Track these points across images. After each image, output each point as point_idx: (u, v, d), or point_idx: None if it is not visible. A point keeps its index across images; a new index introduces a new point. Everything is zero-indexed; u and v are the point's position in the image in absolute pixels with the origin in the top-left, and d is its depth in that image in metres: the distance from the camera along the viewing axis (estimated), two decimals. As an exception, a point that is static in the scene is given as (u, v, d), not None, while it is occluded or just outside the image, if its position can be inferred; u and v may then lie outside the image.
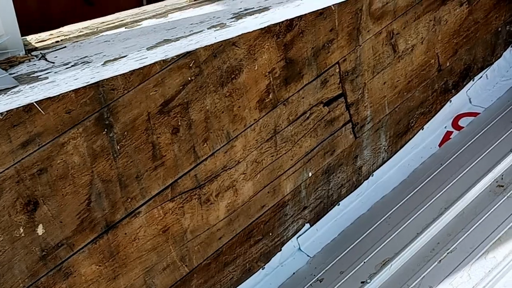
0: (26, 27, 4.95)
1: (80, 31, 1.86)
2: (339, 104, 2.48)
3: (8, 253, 1.70)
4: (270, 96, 2.20)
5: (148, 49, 1.73)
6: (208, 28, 1.86)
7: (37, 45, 1.77)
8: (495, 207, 2.40)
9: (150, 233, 2.02)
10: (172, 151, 1.97)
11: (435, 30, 2.76)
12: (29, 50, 1.72)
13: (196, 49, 1.87)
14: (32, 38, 1.80)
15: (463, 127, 3.04)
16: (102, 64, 1.65)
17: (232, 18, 1.93)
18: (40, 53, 1.70)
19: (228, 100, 2.07)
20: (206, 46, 1.91)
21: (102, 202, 1.85)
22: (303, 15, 2.17)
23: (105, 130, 1.78)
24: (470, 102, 3.15)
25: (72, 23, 5.21)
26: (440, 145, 2.98)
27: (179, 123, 1.96)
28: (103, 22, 1.93)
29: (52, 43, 1.78)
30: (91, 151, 1.77)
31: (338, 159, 2.60)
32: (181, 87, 1.91)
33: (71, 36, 1.83)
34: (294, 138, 2.36)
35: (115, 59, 1.67)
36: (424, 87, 2.85)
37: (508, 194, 2.44)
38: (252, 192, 2.30)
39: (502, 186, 2.51)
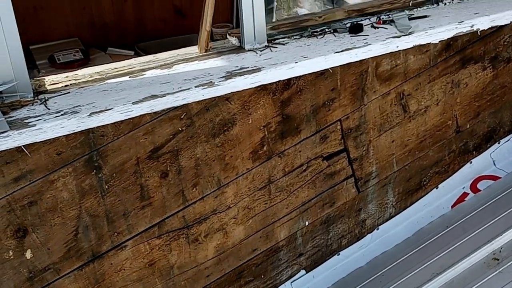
0: (122, 35, 5.32)
1: (91, 76, 2.06)
2: (340, 159, 2.53)
3: (-3, 271, 1.91)
4: (265, 148, 2.29)
5: (134, 103, 1.89)
6: (196, 86, 1.99)
7: (49, 87, 1.98)
8: (485, 280, 2.35)
9: (136, 265, 2.17)
10: (161, 193, 2.12)
11: (453, 92, 2.74)
12: (38, 92, 1.93)
13: (184, 104, 2.01)
14: (48, 80, 2.02)
15: (480, 190, 2.98)
16: (88, 115, 1.83)
17: (222, 77, 2.06)
18: (44, 97, 1.91)
19: (220, 150, 2.19)
20: (198, 101, 2.05)
21: (89, 234, 2.03)
22: (302, 74, 2.26)
23: (94, 171, 1.96)
24: (494, 164, 3.08)
25: (164, 33, 5.48)
26: (453, 206, 2.94)
27: (168, 168, 2.10)
28: (114, 68, 2.11)
29: (61, 87, 1.98)
30: (80, 188, 1.95)
31: (339, 211, 2.64)
32: (171, 136, 2.06)
33: (80, 81, 2.02)
34: (290, 188, 2.44)
35: (101, 111, 1.84)
36: (439, 147, 2.83)
37: (501, 268, 2.38)
38: (243, 236, 2.40)
39: (498, 259, 2.45)
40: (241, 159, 2.25)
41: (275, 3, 4.30)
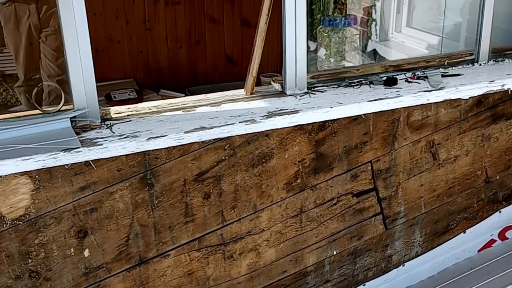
0: (175, 79, 5.67)
1: (149, 109, 2.29)
2: (370, 197, 2.63)
3: (60, 264, 2.14)
4: (298, 181, 2.44)
5: (185, 132, 2.10)
6: (239, 122, 2.18)
7: (113, 115, 2.23)
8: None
9: (176, 273, 2.36)
10: (203, 212, 2.30)
11: (483, 145, 2.78)
12: (105, 119, 2.18)
13: (229, 136, 2.20)
14: (113, 110, 2.27)
15: (508, 238, 2.98)
16: (146, 139, 2.05)
17: (264, 116, 2.24)
18: (110, 123, 2.15)
19: (257, 179, 2.35)
20: (241, 134, 2.24)
21: (138, 241, 2.24)
22: (337, 118, 2.40)
23: (147, 187, 2.17)
24: (525, 216, 3.07)
25: (215, 79, 5.81)
26: (479, 250, 2.95)
27: (211, 191, 2.28)
28: (170, 104, 2.34)
29: (124, 116, 2.23)
30: (134, 201, 2.17)
31: (366, 244, 2.72)
32: (215, 164, 2.25)
33: (140, 112, 2.26)
34: (320, 219, 2.56)
35: (157, 137, 2.06)
36: (468, 194, 2.86)
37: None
38: (274, 258, 2.53)
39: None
40: (276, 188, 2.40)
41: (323, 56, 4.48)
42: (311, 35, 4.90)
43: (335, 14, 4.95)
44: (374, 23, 4.63)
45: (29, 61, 3.91)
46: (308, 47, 4.98)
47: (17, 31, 3.84)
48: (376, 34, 4.59)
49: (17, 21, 3.81)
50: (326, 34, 4.02)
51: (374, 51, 4.32)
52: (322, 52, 4.89)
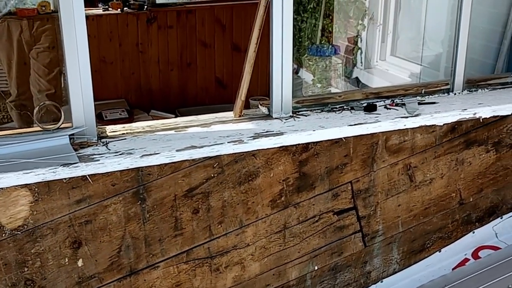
0: (165, 100, 5.79)
1: (143, 128, 2.42)
2: (350, 215, 2.76)
3: (54, 273, 2.24)
4: (282, 199, 2.57)
5: (177, 150, 2.23)
6: (228, 142, 2.32)
7: (109, 134, 2.36)
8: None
9: (165, 284, 2.46)
10: (191, 226, 2.42)
11: (457, 169, 2.93)
12: (101, 137, 2.31)
13: (217, 155, 2.33)
14: (109, 128, 2.40)
15: (481, 258, 3.11)
16: (140, 157, 2.18)
17: (251, 137, 2.37)
18: (106, 140, 2.28)
19: (244, 196, 2.48)
20: (229, 153, 2.37)
21: (130, 253, 2.34)
22: (319, 140, 2.54)
23: (139, 201, 2.29)
24: (497, 236, 3.20)
25: (205, 101, 5.93)
26: (453, 268, 3.08)
27: (200, 206, 2.40)
28: (163, 124, 2.48)
29: (119, 134, 2.36)
30: (127, 214, 2.28)
31: (346, 260, 2.85)
32: (204, 180, 2.37)
33: (134, 131, 2.39)
34: (302, 235, 2.68)
35: (150, 154, 2.19)
36: (443, 215, 3.00)
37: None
38: (259, 271, 2.65)
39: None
40: (261, 205, 2.53)
41: (310, 81, 4.66)
42: (299, 61, 5.08)
43: (322, 42, 5.15)
44: (359, 51, 4.82)
45: (21, 76, 4.02)
46: (297, 73, 5.16)
47: (10, 47, 3.95)
48: (362, 62, 4.78)
49: (9, 37, 3.93)
50: (311, 63, 4.20)
51: (357, 78, 4.50)
52: (309, 77, 5.07)
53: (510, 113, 2.89)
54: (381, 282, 2.99)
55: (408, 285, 3.02)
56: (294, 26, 5.50)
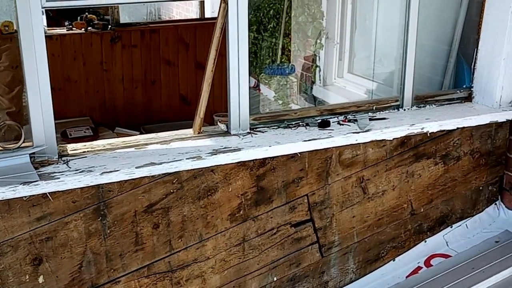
0: (130, 117, 5.80)
1: (104, 146, 2.45)
2: (306, 227, 2.83)
3: (15, 290, 2.24)
4: (241, 212, 2.62)
5: (136, 167, 2.27)
6: (187, 158, 2.37)
7: (70, 152, 2.38)
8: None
9: (126, 299, 2.48)
10: (152, 240, 2.45)
11: (408, 181, 3.04)
12: (62, 155, 2.33)
13: (177, 171, 2.37)
14: (70, 147, 2.42)
15: (433, 265, 3.21)
16: (100, 174, 2.21)
17: (209, 153, 2.43)
18: (67, 159, 2.30)
19: (203, 210, 2.52)
20: (188, 169, 2.42)
21: (91, 268, 2.36)
22: (276, 156, 2.61)
23: (100, 218, 2.31)
24: (447, 245, 3.31)
25: (170, 118, 5.96)
26: (407, 276, 3.18)
27: (160, 221, 2.44)
28: (123, 141, 2.51)
29: (80, 152, 2.38)
30: (87, 230, 2.30)
31: (304, 271, 2.91)
32: (164, 196, 2.41)
33: (95, 149, 2.42)
34: (261, 247, 2.73)
35: (110, 172, 2.22)
36: (396, 225, 3.10)
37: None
38: (219, 284, 2.68)
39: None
40: (220, 219, 2.58)
41: (272, 98, 4.74)
42: (260, 78, 5.17)
43: (283, 61, 5.26)
44: (318, 69, 4.94)
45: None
46: (259, 89, 5.24)
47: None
48: (320, 80, 4.90)
49: None
50: (271, 81, 4.29)
51: (313, 96, 4.61)
52: (271, 94, 5.15)
53: (455, 128, 3.02)
54: (339, 291, 3.07)
55: (363, 293, 3.10)
56: (255, 44, 5.62)
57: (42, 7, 2.12)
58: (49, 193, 2.14)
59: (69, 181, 2.15)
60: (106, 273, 2.39)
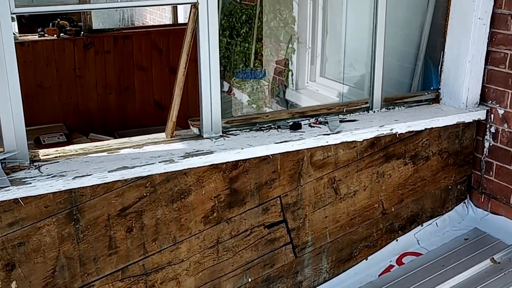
0: (104, 123, 5.77)
1: (76, 151, 2.45)
2: (280, 228, 2.86)
3: (-13, 297, 2.22)
4: (215, 215, 2.64)
5: (109, 171, 2.28)
6: (159, 162, 2.38)
7: (42, 157, 2.38)
8: None
9: (101, 303, 2.48)
10: (125, 244, 2.45)
11: (379, 181, 3.10)
12: (33, 160, 2.32)
13: (149, 175, 2.39)
14: (42, 152, 2.42)
15: (404, 263, 3.28)
16: (72, 178, 2.21)
17: (181, 156, 2.45)
18: (39, 164, 2.30)
19: (177, 213, 2.54)
20: (161, 173, 2.43)
21: (64, 273, 2.35)
22: (248, 158, 2.64)
23: (73, 222, 2.31)
24: (418, 243, 3.38)
25: (144, 123, 5.94)
26: (380, 275, 3.23)
27: (133, 225, 2.45)
28: (95, 146, 2.51)
29: (52, 157, 2.38)
30: (60, 235, 2.30)
31: (278, 271, 2.94)
32: (137, 200, 2.42)
33: (67, 154, 2.42)
34: (235, 249, 2.76)
35: (83, 176, 2.23)
36: (368, 225, 3.16)
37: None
38: (194, 286, 2.70)
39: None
40: (194, 222, 2.59)
41: (246, 99, 4.77)
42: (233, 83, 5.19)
43: (256, 65, 5.31)
44: (291, 73, 5.00)
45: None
46: (233, 94, 5.26)
47: None
48: (293, 84, 4.95)
49: None
50: (242, 84, 4.32)
51: (286, 99, 4.66)
52: (245, 98, 5.19)
53: (424, 129, 3.09)
54: (313, 291, 3.11)
55: (337, 293, 3.14)
56: (228, 49, 5.64)
57: (12, 13, 2.12)
58: (20, 198, 2.14)
59: (40, 186, 2.15)
60: (80, 278, 2.39)
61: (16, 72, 2.19)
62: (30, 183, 2.14)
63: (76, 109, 5.38)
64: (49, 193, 2.21)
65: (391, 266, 3.27)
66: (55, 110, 5.27)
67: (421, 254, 3.31)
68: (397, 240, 3.31)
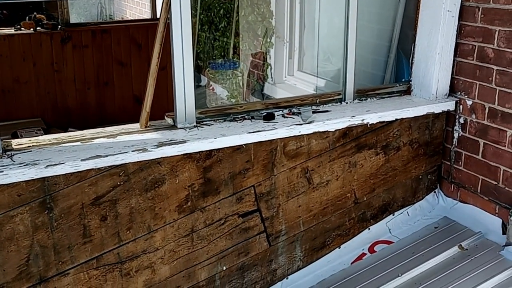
0: (83, 118, 5.74)
1: (49, 140, 2.46)
2: (254, 217, 2.90)
3: (-39, 285, 2.23)
4: (189, 203, 2.67)
5: (82, 160, 2.29)
6: (132, 151, 2.40)
7: (15, 147, 2.38)
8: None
9: (76, 291, 2.49)
10: (100, 233, 2.47)
11: (351, 171, 3.15)
12: (6, 150, 2.33)
13: (123, 163, 2.40)
14: (14, 142, 2.42)
15: (376, 252, 3.34)
16: (45, 167, 2.22)
17: (155, 145, 2.47)
18: (11, 153, 2.30)
19: (151, 202, 2.56)
20: (134, 162, 2.45)
21: (38, 261, 2.36)
22: (221, 147, 2.67)
23: (47, 211, 2.32)
24: (390, 232, 3.44)
25: (123, 118, 5.91)
26: (352, 263, 3.29)
27: (107, 214, 2.46)
28: (69, 136, 2.53)
29: (25, 147, 2.38)
30: (34, 224, 2.31)
31: (253, 260, 2.98)
32: (111, 189, 2.44)
33: (41, 143, 2.43)
34: (210, 237, 2.79)
35: (55, 164, 2.24)
36: (340, 214, 3.21)
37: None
38: (169, 274, 2.72)
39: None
40: (168, 211, 2.62)
41: (225, 94, 4.79)
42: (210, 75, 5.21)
43: (234, 59, 5.33)
44: (269, 67, 5.03)
45: None
46: (212, 88, 5.27)
47: None
48: (272, 77, 4.99)
49: None
50: (216, 75, 4.35)
51: (263, 94, 4.70)
52: (224, 93, 5.21)
53: (394, 119, 3.15)
54: (287, 279, 3.14)
55: (311, 280, 3.18)
56: (206, 43, 5.65)
57: (-17, 2, 2.12)
58: (-7, 187, 2.15)
59: (13, 174, 2.16)
60: (55, 266, 2.40)
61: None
62: (2, 171, 2.15)
63: (54, 104, 5.35)
64: (22, 181, 2.21)
65: (363, 254, 3.33)
66: (32, 105, 5.24)
67: (392, 243, 3.37)
68: (369, 229, 3.37)
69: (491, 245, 3.08)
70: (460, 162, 3.35)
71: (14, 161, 2.23)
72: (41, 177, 2.23)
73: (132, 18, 7.93)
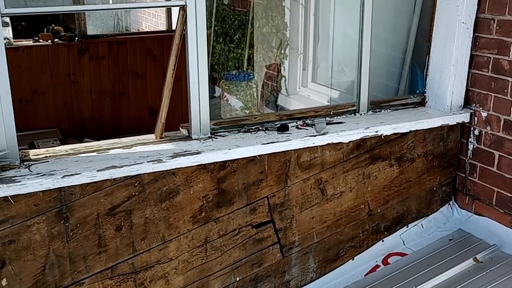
0: (99, 129, 5.78)
1: (66, 151, 2.48)
2: (267, 228, 2.89)
3: (-22, 294, 2.24)
4: (203, 214, 2.67)
5: (98, 170, 2.31)
6: (147, 161, 2.41)
7: (32, 157, 2.40)
8: None
9: (90, 300, 2.50)
10: (115, 243, 2.48)
11: (365, 182, 3.13)
12: (23, 160, 2.35)
13: (138, 174, 2.42)
14: (32, 152, 2.44)
15: (390, 264, 3.31)
16: (61, 177, 2.24)
17: (170, 156, 2.48)
18: (29, 163, 2.33)
19: (165, 213, 2.57)
20: (150, 172, 2.46)
21: (54, 271, 2.37)
22: (236, 158, 2.68)
23: (63, 220, 2.33)
24: (404, 244, 3.41)
25: (139, 129, 5.96)
26: (366, 274, 3.26)
27: (122, 224, 2.47)
28: (86, 147, 2.54)
29: (42, 157, 2.41)
30: (50, 233, 2.32)
31: (266, 271, 2.96)
32: (126, 199, 2.45)
33: (58, 154, 2.45)
34: (223, 248, 2.78)
35: (72, 175, 2.25)
36: (354, 225, 3.19)
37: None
38: (183, 285, 2.72)
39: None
40: (182, 221, 2.62)
41: (239, 105, 4.80)
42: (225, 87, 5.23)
43: (249, 71, 5.35)
44: (283, 79, 5.04)
45: None
46: (226, 99, 5.30)
47: None
48: (286, 89, 5.00)
49: None
50: (230, 86, 4.36)
51: (277, 105, 4.70)
52: (238, 104, 5.22)
53: (408, 131, 3.14)
54: (300, 290, 3.13)
55: (324, 292, 3.17)
56: (221, 55, 5.67)
57: (2, 14, 2.15)
58: (10, 196, 2.16)
59: (30, 184, 2.18)
60: (70, 275, 2.41)
61: (5, 72, 2.22)
62: (20, 181, 2.17)
63: (70, 114, 5.40)
64: (39, 191, 2.23)
65: (377, 266, 3.30)
66: (49, 115, 5.29)
67: (406, 254, 3.34)
68: (383, 241, 3.34)
69: (506, 258, 3.04)
70: (475, 174, 3.32)
71: (31, 171, 2.25)
72: (57, 187, 2.25)
73: (148, 30, 8.01)
